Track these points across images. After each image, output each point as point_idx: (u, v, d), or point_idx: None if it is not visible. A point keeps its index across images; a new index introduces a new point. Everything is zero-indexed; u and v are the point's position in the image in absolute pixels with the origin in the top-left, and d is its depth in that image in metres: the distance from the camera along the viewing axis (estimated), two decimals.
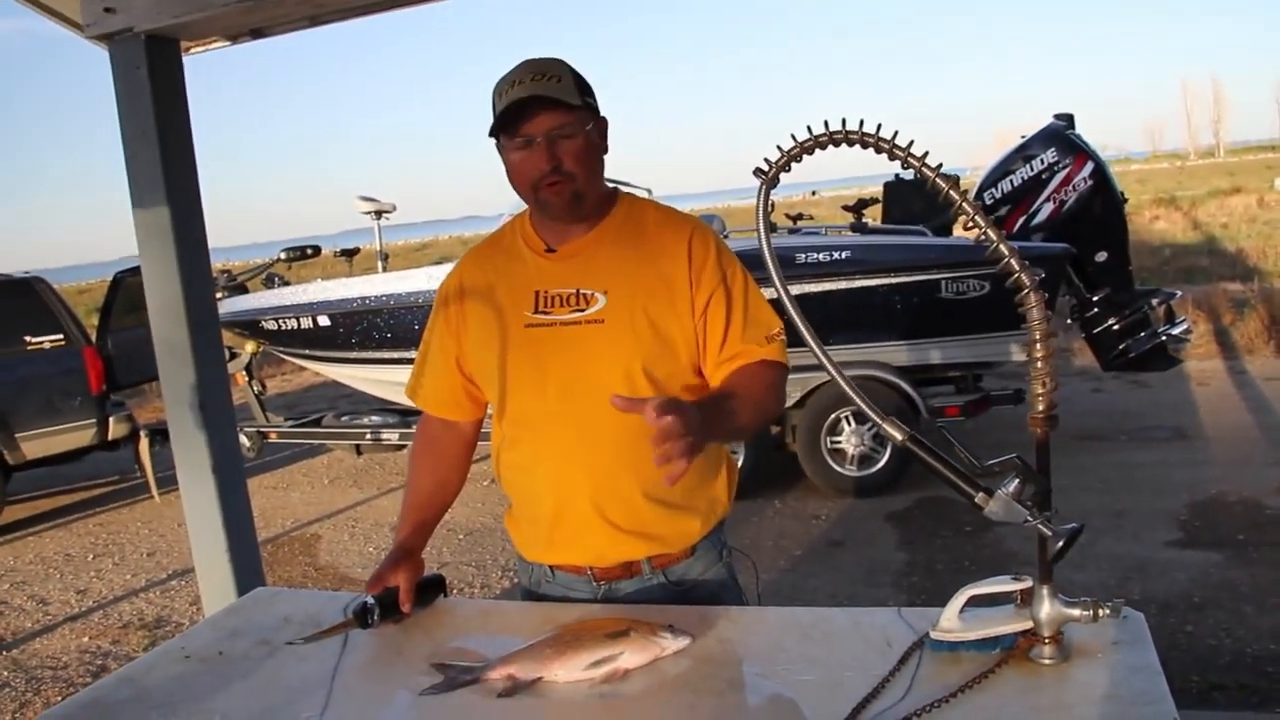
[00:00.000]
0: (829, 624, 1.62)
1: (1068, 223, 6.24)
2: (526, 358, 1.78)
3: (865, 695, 1.34)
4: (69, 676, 4.42)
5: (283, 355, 7.86)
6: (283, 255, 7.89)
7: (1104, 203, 6.30)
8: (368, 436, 7.00)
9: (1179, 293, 6.83)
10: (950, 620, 1.45)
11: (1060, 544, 1.33)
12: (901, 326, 6.02)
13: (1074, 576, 4.45)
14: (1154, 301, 6.44)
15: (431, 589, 1.81)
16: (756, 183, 1.43)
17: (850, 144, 1.38)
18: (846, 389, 1.41)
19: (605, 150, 1.79)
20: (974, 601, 1.47)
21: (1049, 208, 6.36)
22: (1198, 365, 8.88)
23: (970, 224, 1.35)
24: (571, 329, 1.75)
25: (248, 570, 3.15)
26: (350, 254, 8.26)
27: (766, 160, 1.43)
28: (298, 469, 8.07)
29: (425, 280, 6.45)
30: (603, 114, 1.78)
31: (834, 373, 1.41)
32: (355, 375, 7.18)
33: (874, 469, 6.03)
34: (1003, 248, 1.33)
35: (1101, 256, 6.34)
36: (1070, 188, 6.27)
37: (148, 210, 3.01)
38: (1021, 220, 6.44)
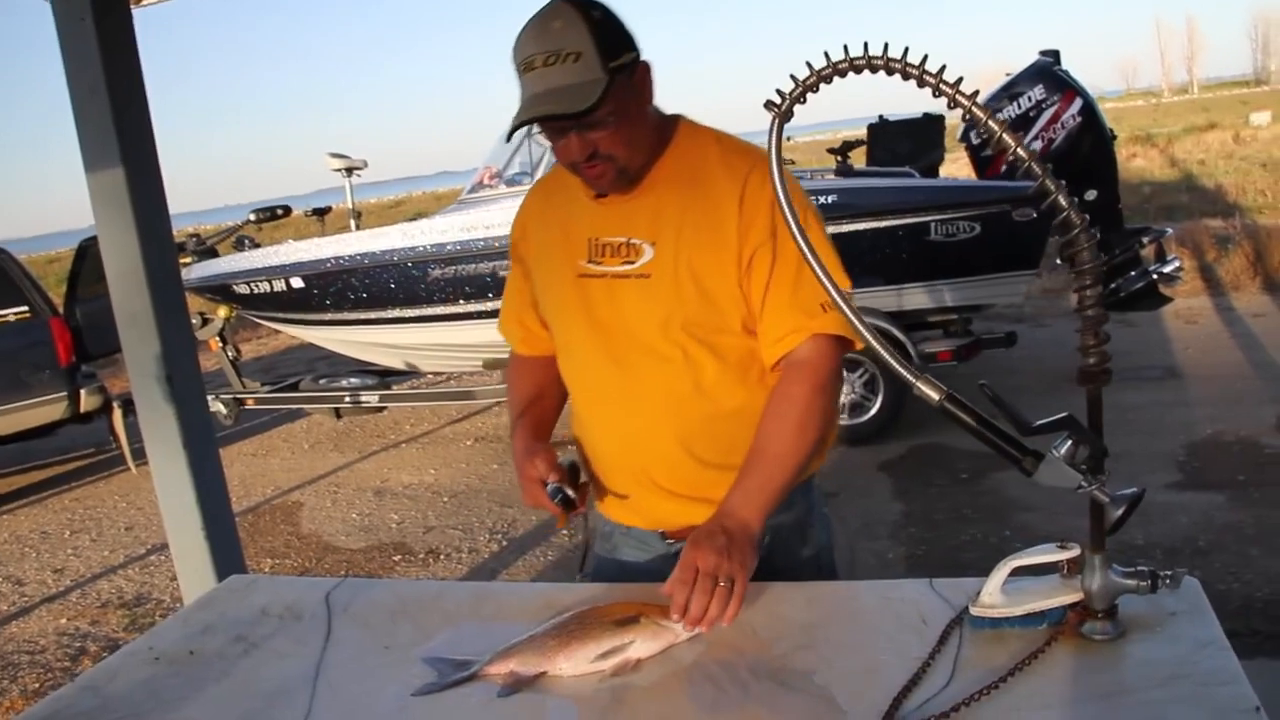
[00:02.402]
0: (857, 600, 1.50)
1: (1057, 161, 6.07)
2: (578, 311, 1.69)
3: (905, 683, 1.22)
4: (47, 661, 4.27)
5: (257, 319, 7.68)
6: (252, 217, 7.68)
7: (1093, 140, 6.15)
8: (347, 399, 6.84)
9: (1169, 230, 6.71)
10: (992, 595, 1.32)
11: (1121, 511, 1.20)
12: (890, 271, 5.87)
13: (1076, 521, 4.35)
14: (1144, 240, 6.32)
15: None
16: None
17: (874, 70, 1.22)
18: (874, 345, 1.27)
19: (649, 101, 1.62)
20: (1014, 572, 1.34)
21: (1037, 146, 6.20)
22: (1184, 303, 8.78)
23: (1011, 155, 1.20)
24: (621, 283, 1.64)
25: (225, 551, 3.03)
26: (322, 213, 8.06)
27: (779, 92, 1.28)
28: (276, 434, 7.91)
29: (400, 238, 6.27)
30: (642, 59, 1.58)
31: (860, 329, 1.26)
32: (332, 337, 7.01)
33: (865, 417, 5.92)
34: (1049, 183, 1.19)
35: (1091, 195, 6.19)
36: (1059, 125, 6.11)
37: (101, 173, 2.85)
38: (1009, 160, 6.30)
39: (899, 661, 1.27)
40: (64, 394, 6.98)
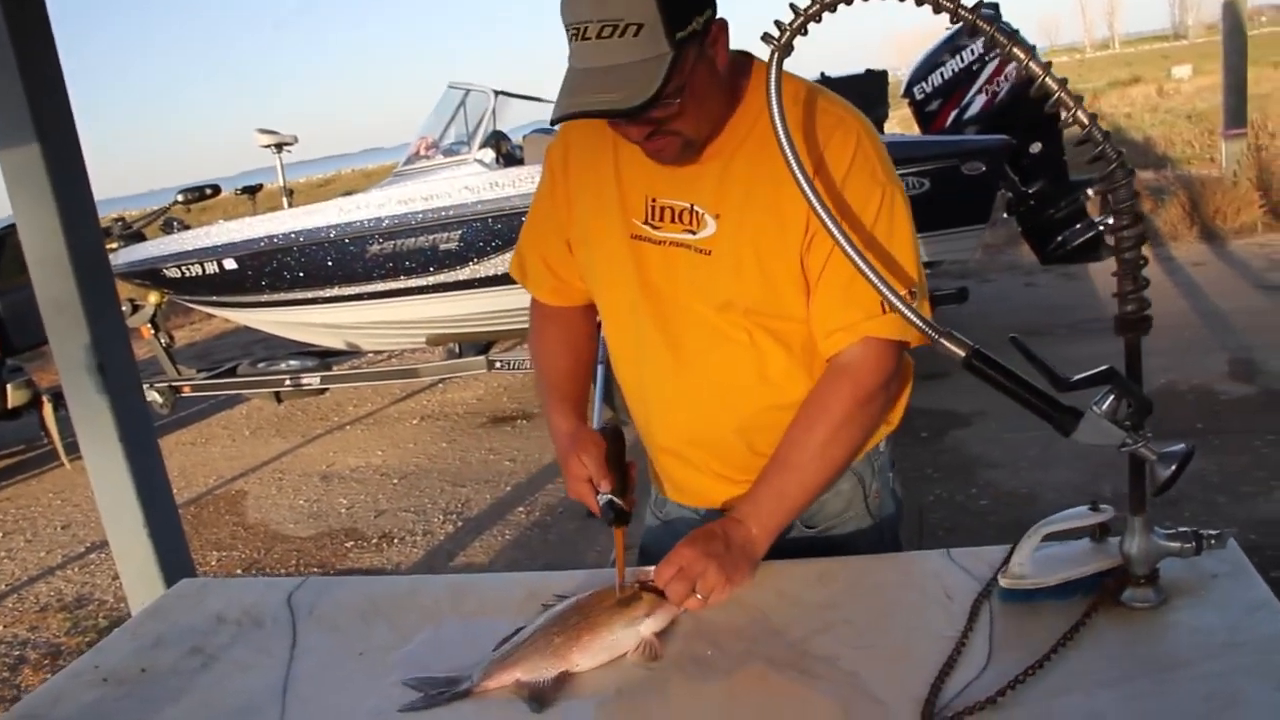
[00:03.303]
0: (872, 576, 1.39)
1: (1001, 115, 6.04)
2: (630, 277, 1.49)
3: (942, 666, 1.11)
4: None
5: (189, 304, 7.40)
6: (180, 198, 7.38)
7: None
8: (287, 382, 6.60)
9: None
10: (1022, 565, 1.22)
11: (1170, 470, 1.10)
12: None
13: (1043, 476, 4.33)
14: (1089, 191, 6.28)
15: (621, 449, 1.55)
16: None
17: None
18: (888, 295, 1.15)
19: (722, 64, 1.37)
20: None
21: (981, 100, 6.16)
22: None
23: (1040, 89, 1.09)
24: (680, 253, 1.45)
25: (171, 549, 2.86)
26: (252, 191, 7.79)
27: (778, 24, 1.15)
28: (216, 422, 7.65)
29: (336, 213, 6.05)
30: (717, 17, 1.34)
31: (875, 282, 1.15)
32: (268, 319, 6.77)
33: None
34: (1081, 116, 1.08)
35: (1036, 148, 6.16)
36: (1002, 78, 6.05)
37: (15, 151, 2.65)
38: (954, 115, 6.24)
39: (928, 641, 1.17)
40: None
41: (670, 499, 1.66)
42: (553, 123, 1.39)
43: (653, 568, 1.36)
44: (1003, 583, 1.23)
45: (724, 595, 1.33)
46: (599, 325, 1.66)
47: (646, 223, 1.46)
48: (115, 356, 2.82)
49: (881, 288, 1.16)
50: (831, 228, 1.16)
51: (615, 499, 1.45)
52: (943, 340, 1.14)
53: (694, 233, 1.43)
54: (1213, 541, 1.17)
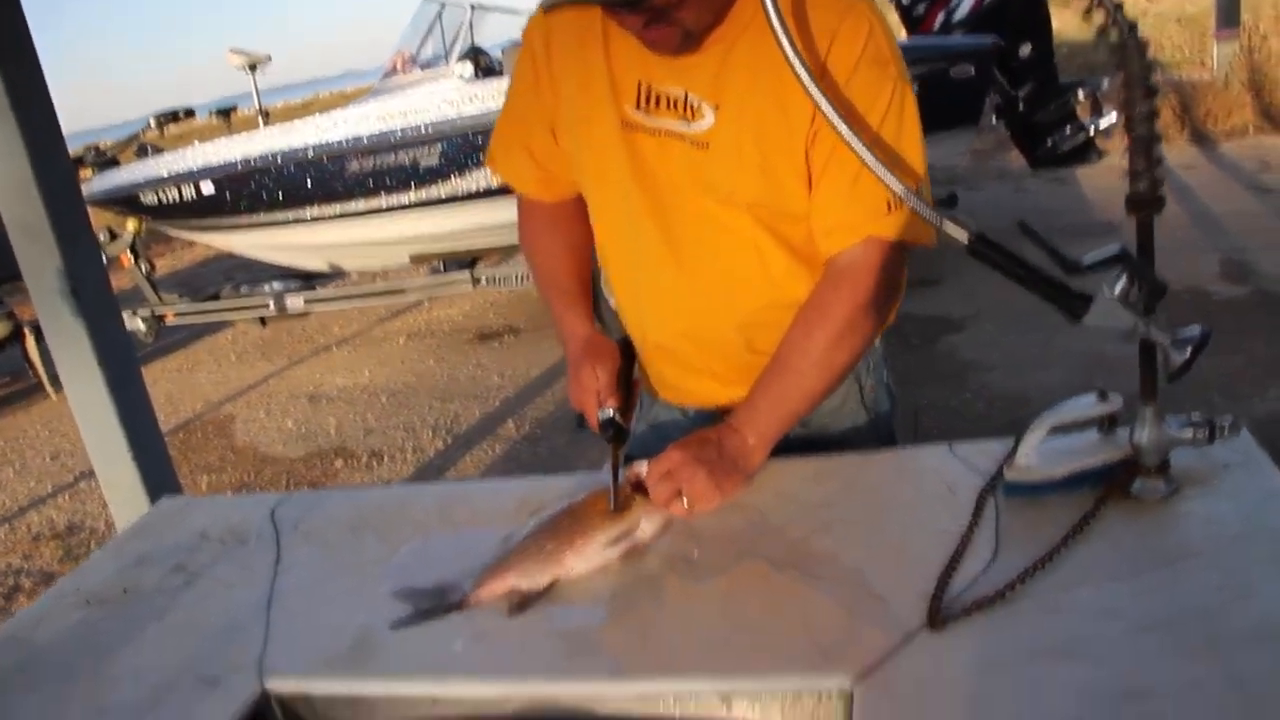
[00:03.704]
0: (871, 472, 1.34)
1: (990, 15, 5.91)
2: (623, 167, 1.40)
3: (948, 561, 1.08)
4: None
5: (168, 230, 7.28)
6: (153, 123, 7.23)
7: None
8: (270, 306, 6.51)
9: (1105, 82, 6.58)
10: (1028, 457, 1.18)
11: (1187, 355, 1.05)
12: None
13: (1037, 378, 4.30)
14: (1080, 94, 6.20)
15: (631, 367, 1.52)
16: None
17: None
18: (891, 183, 1.10)
19: None
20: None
21: (969, 1, 6.02)
22: (1116, 160, 8.70)
23: None
24: (676, 144, 1.35)
25: (156, 471, 2.82)
26: (227, 114, 7.62)
27: None
28: (201, 348, 7.58)
29: (313, 132, 5.92)
30: None
31: (880, 170, 1.09)
32: (249, 242, 6.67)
33: None
34: None
35: (1025, 50, 6.03)
36: None
37: None
38: (942, 16, 6.11)
39: (932, 537, 1.13)
40: None
41: (661, 398, 1.61)
42: (547, 10, 1.31)
43: (645, 463, 1.31)
44: (1008, 476, 1.19)
45: (712, 504, 1.28)
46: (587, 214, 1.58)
47: (639, 109, 1.37)
48: (89, 280, 2.75)
49: (886, 175, 1.10)
50: (835, 120, 1.09)
51: (617, 417, 1.41)
52: (946, 224, 1.08)
53: (689, 123, 1.34)
54: (1225, 430, 1.13)
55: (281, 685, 1.10)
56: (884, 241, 1.32)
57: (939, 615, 0.99)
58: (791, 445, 1.38)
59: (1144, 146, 1.04)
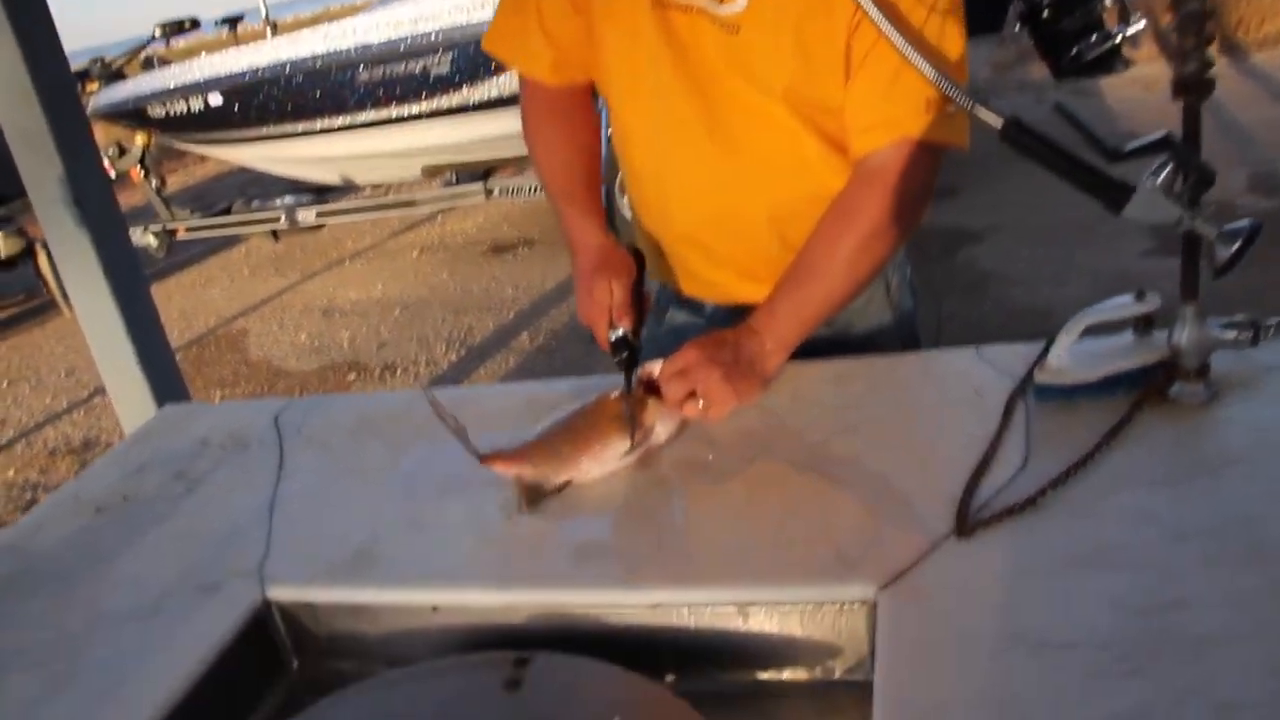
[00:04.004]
0: (895, 375, 1.29)
1: None
2: (649, 43, 1.31)
3: (977, 465, 1.03)
4: None
5: (177, 143, 7.20)
6: (158, 33, 7.10)
7: None
8: (282, 219, 6.45)
9: None
10: (1061, 359, 1.13)
11: (1234, 249, 0.99)
12: None
13: (1058, 292, 4.22)
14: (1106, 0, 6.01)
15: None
16: None
17: None
18: (924, 70, 1.03)
19: None
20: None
21: None
22: (1140, 70, 8.48)
23: None
24: (705, 24, 1.26)
25: (165, 383, 2.79)
26: (233, 23, 7.48)
27: None
28: (214, 263, 7.54)
29: (321, 41, 5.80)
30: None
31: (919, 62, 1.02)
32: (259, 155, 6.59)
33: None
34: None
35: None
36: None
37: None
38: None
39: (959, 442, 1.08)
40: None
41: (684, 293, 1.54)
42: None
43: (658, 363, 1.26)
44: (1039, 379, 1.13)
45: (726, 409, 1.22)
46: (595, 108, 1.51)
47: None
48: (92, 190, 2.69)
49: (920, 62, 1.02)
50: (874, 11, 1.02)
51: (630, 338, 1.33)
52: (979, 109, 1.01)
53: (719, 4, 1.25)
54: (1271, 331, 1.07)
55: (282, 593, 1.06)
56: (919, 142, 1.24)
57: (967, 521, 0.94)
58: (814, 345, 1.32)
59: (1194, 23, 0.96)
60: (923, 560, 0.91)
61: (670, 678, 0.97)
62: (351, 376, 4.79)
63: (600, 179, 1.51)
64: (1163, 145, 0.98)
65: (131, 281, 2.80)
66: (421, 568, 1.05)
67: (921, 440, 1.12)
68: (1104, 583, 0.85)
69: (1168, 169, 0.98)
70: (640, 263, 1.43)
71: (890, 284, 1.48)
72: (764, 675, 0.96)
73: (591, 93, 1.49)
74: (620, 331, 1.33)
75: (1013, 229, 5.01)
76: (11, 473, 4.49)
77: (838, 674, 0.94)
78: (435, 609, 1.01)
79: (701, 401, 1.21)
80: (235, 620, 1.03)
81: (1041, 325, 3.86)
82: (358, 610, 1.05)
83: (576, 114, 1.48)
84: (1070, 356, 1.12)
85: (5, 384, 5.76)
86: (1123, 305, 1.12)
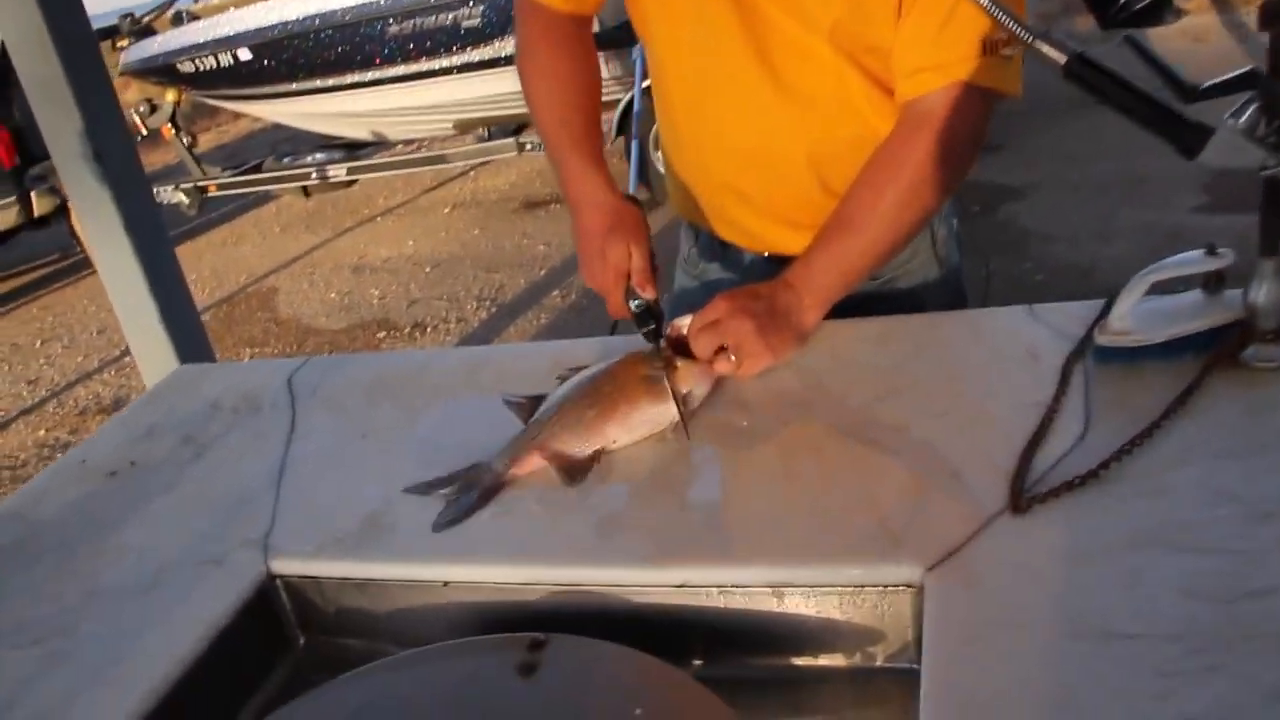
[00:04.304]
0: (941, 334, 1.20)
1: None
2: None
3: (1032, 433, 0.95)
4: (28, 475, 4.07)
5: (208, 99, 7.16)
6: None
7: None
8: (314, 176, 6.41)
9: None
10: (1124, 319, 1.04)
11: None
12: None
13: (1102, 250, 4.10)
14: None
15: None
16: None
17: None
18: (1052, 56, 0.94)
19: None
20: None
21: None
22: (1190, 21, 8.24)
23: None
24: None
25: (189, 342, 2.75)
26: None
27: None
28: (246, 221, 7.52)
29: None
30: None
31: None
32: (290, 111, 6.54)
33: None
34: None
35: None
36: None
37: None
38: None
39: (1013, 408, 1.00)
40: (13, 198, 6.57)
41: (719, 237, 1.46)
42: None
43: (687, 318, 1.18)
44: (1099, 340, 1.05)
45: (759, 365, 1.14)
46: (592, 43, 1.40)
47: None
48: (112, 143, 2.64)
49: None
50: None
51: (653, 306, 1.22)
52: (1039, 43, 0.92)
53: None
54: None
55: (287, 566, 1.00)
56: (972, 87, 1.15)
57: (1022, 496, 0.86)
58: (855, 301, 1.24)
59: None
60: (974, 539, 0.83)
61: (697, 663, 0.91)
62: (381, 334, 4.75)
63: (600, 121, 1.39)
64: (1247, 81, 0.89)
65: (154, 238, 2.75)
66: (433, 540, 0.98)
67: (971, 406, 1.03)
68: (1175, 567, 0.77)
69: (1251, 108, 0.89)
70: (644, 218, 1.32)
71: (936, 236, 1.39)
72: (799, 661, 0.89)
73: (588, 23, 1.38)
74: (644, 300, 1.23)
75: (1055, 185, 4.88)
76: (43, 432, 4.50)
77: (879, 661, 0.86)
78: (446, 584, 0.95)
79: (733, 356, 1.13)
80: (238, 595, 0.98)
81: (1084, 285, 3.76)
82: (365, 585, 0.98)
83: (579, 47, 1.36)
84: (1134, 316, 1.04)
85: (39, 343, 5.77)
86: (1192, 260, 1.03)
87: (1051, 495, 0.86)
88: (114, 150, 2.65)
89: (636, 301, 1.23)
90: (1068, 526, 0.83)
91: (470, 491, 1.03)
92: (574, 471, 1.04)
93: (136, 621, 0.96)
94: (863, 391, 1.09)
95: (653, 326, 1.20)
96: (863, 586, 0.84)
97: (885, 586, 0.83)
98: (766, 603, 0.87)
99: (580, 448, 1.06)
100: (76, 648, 0.94)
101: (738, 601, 0.87)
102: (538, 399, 1.14)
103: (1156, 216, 4.34)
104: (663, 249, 1.30)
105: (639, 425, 1.08)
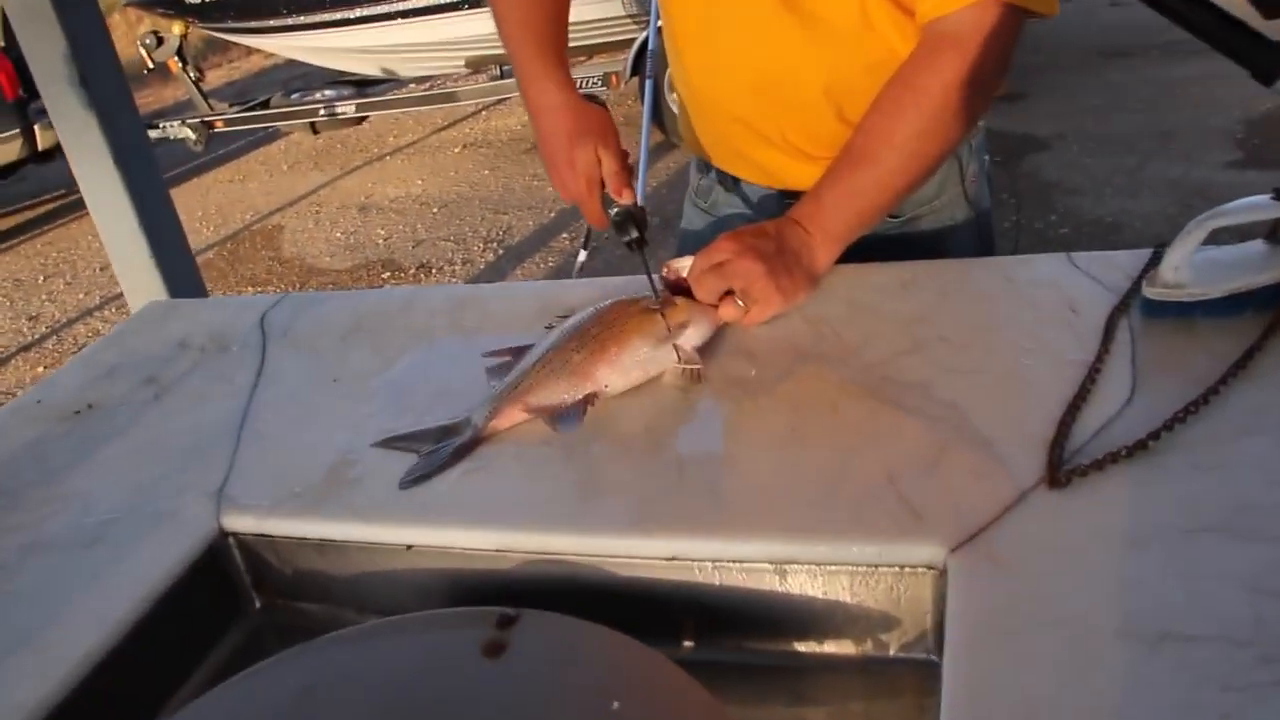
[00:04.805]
0: (971, 282, 1.09)
1: None
2: None
3: (1071, 398, 0.84)
4: None
5: (215, 33, 7.00)
6: None
7: None
8: (322, 113, 6.27)
9: None
10: (1178, 271, 0.93)
11: None
12: None
13: (1128, 205, 3.96)
14: None
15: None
16: None
17: None
18: None
19: None
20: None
21: None
22: None
23: None
24: None
25: (182, 278, 2.64)
26: None
27: None
28: (253, 158, 7.40)
29: None
30: None
31: None
32: (297, 45, 6.39)
33: None
34: None
35: None
36: None
37: None
38: None
39: (1050, 367, 0.90)
40: (16, 131, 6.46)
41: (729, 173, 1.35)
42: None
43: (687, 259, 1.07)
44: (1148, 293, 0.94)
45: (769, 309, 1.04)
46: None
47: None
48: (98, 68, 2.51)
49: None
50: None
51: (634, 213, 1.14)
52: None
53: None
54: None
55: (240, 523, 0.91)
56: (1003, 4, 1.03)
57: (1060, 469, 0.76)
58: (874, 242, 1.13)
59: None
60: (1004, 516, 0.73)
61: (688, 645, 0.81)
62: (385, 275, 4.66)
63: (565, 23, 1.28)
64: None
65: (143, 169, 2.64)
66: (397, 499, 0.88)
67: (1003, 364, 0.92)
68: (1239, 556, 0.67)
69: None
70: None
71: (966, 172, 1.28)
72: (802, 647, 0.79)
73: None
74: (623, 207, 1.14)
75: (1081, 137, 4.73)
76: (42, 369, 4.43)
77: (892, 650, 0.76)
78: (410, 548, 0.85)
79: (741, 300, 1.03)
80: (186, 554, 0.88)
81: (1111, 239, 3.63)
82: (323, 547, 0.89)
83: None
84: (1189, 267, 0.93)
85: (41, 279, 5.70)
86: (1260, 205, 0.92)
87: (1094, 468, 0.76)
88: (101, 74, 2.52)
89: (615, 209, 1.14)
90: (1112, 504, 0.73)
91: (444, 446, 0.93)
92: (564, 417, 0.94)
93: (74, 579, 0.87)
94: (882, 345, 0.98)
95: (636, 235, 1.12)
96: (877, 566, 0.74)
97: (902, 567, 0.73)
98: (768, 581, 0.77)
99: (568, 395, 0.96)
100: (4, 608, 0.85)
101: (735, 579, 0.77)
102: (522, 349, 1.04)
103: (1187, 171, 4.20)
104: (676, 193, 1.19)
105: (632, 367, 0.98)
